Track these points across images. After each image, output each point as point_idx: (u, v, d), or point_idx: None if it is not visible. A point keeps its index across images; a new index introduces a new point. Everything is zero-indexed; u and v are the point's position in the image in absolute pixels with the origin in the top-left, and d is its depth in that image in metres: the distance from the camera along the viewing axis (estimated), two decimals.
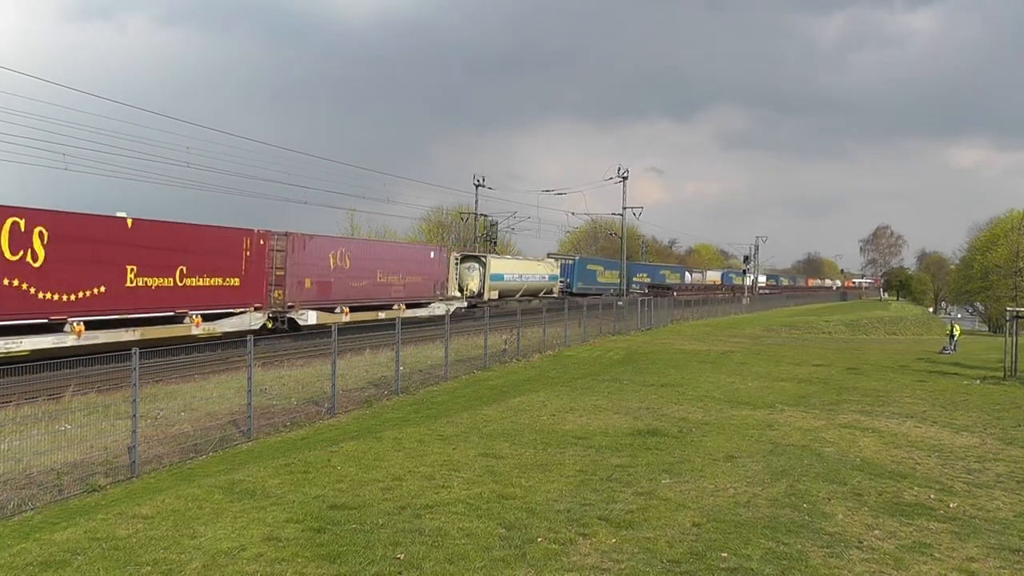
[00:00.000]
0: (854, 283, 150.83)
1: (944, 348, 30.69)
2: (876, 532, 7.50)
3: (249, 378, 12.72)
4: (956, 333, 32.34)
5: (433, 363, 20.13)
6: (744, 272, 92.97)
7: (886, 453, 11.03)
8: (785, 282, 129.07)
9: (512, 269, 46.12)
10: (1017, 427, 13.41)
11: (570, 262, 58.00)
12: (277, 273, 26.38)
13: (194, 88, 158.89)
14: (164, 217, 22.66)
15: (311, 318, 27.35)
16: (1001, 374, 21.17)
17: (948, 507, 8.42)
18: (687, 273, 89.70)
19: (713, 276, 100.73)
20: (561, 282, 53.68)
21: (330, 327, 16.61)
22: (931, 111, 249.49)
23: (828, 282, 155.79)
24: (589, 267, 62.12)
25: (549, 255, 58.51)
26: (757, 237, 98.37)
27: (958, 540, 7.35)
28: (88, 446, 11.17)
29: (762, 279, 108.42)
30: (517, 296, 45.87)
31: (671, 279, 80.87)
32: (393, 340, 18.28)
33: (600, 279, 62.48)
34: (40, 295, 17.58)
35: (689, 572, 6.36)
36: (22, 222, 17.17)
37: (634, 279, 71.58)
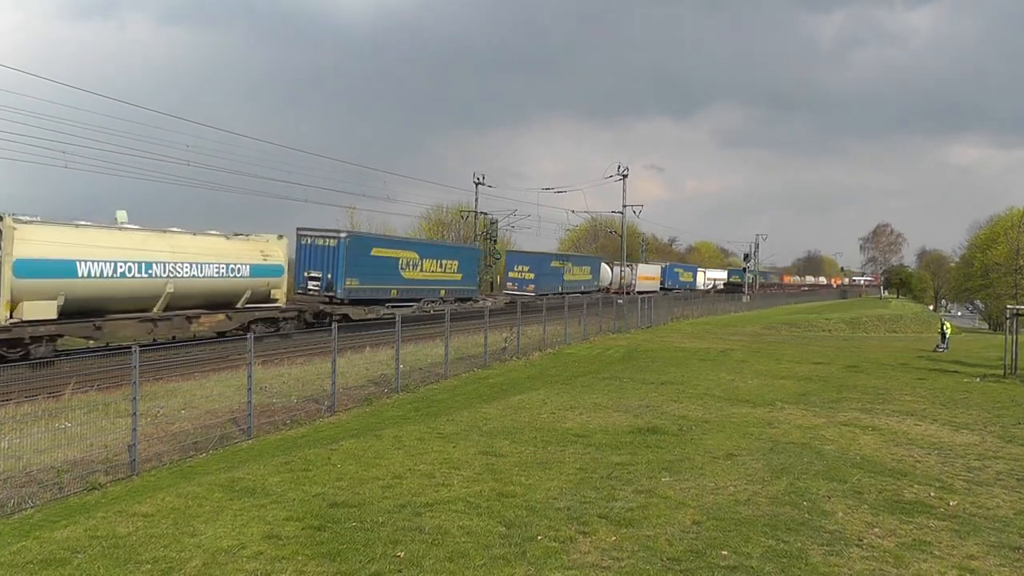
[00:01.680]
0: (852, 280, 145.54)
1: (937, 346, 30.22)
2: (876, 530, 7.51)
3: (249, 376, 12.72)
4: (948, 330, 31.57)
5: (433, 361, 20.13)
6: (744, 270, 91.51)
7: (886, 451, 11.03)
8: (750, 278, 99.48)
9: (109, 250, 20.84)
10: (1017, 425, 13.41)
11: (331, 243, 30.75)
12: None
13: (193, 86, 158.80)
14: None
15: None
16: (1001, 372, 21.17)
17: (948, 505, 8.42)
18: (605, 267, 60.91)
19: (648, 272, 70.45)
20: (314, 279, 30.42)
21: None
22: (931, 109, 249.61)
23: (811, 279, 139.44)
24: (377, 252, 33.17)
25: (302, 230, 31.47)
26: (757, 235, 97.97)
27: (958, 538, 7.35)
28: (88, 444, 11.17)
29: (721, 275, 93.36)
30: (156, 309, 22.32)
31: (576, 276, 53.86)
32: (393, 338, 18.28)
33: (409, 275, 35.06)
34: None
35: (689, 570, 6.37)
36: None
37: (510, 274, 49.46)
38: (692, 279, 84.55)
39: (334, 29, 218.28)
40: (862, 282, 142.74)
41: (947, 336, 30.91)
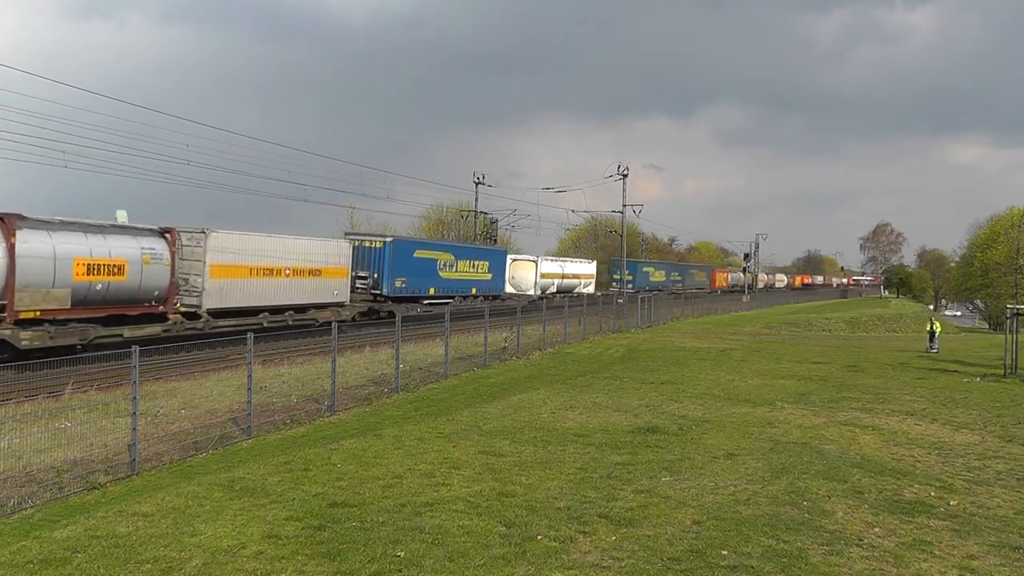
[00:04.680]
0: (832, 279, 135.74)
1: (929, 347, 28.67)
2: (876, 530, 7.50)
3: (249, 375, 12.72)
4: (937, 329, 29.66)
5: (433, 361, 20.14)
6: (747, 268, 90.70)
7: (886, 451, 11.03)
8: (672, 277, 76.94)
9: None
10: (1017, 424, 13.41)
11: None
12: None
13: (193, 85, 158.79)
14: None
15: None
16: (1001, 371, 21.16)
17: (948, 504, 8.42)
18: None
19: (282, 254, 26.34)
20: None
21: None
22: (931, 108, 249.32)
23: (766, 278, 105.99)
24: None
25: None
26: (757, 235, 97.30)
27: (958, 538, 7.35)
28: (88, 444, 11.18)
29: (584, 268, 58.69)
30: None
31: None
32: (393, 337, 18.29)
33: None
34: None
35: (689, 570, 6.36)
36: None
37: None
38: (492, 275, 41.42)
39: (334, 29, 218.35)
40: (845, 282, 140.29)
41: (936, 335, 29.24)
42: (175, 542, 6.87)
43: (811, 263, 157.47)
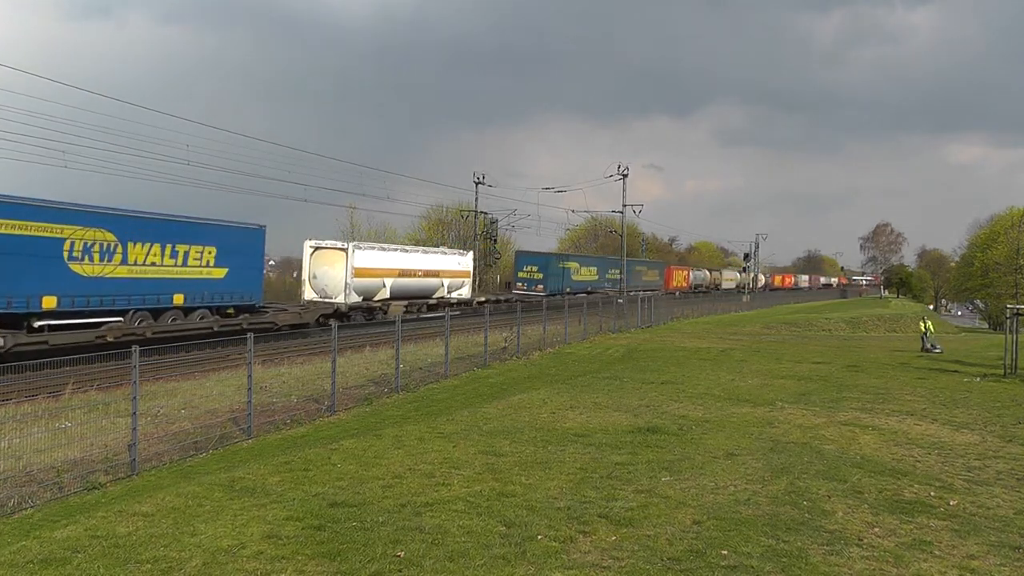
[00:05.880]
0: (795, 280, 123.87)
1: (932, 348, 27.97)
2: (876, 530, 7.50)
3: (249, 376, 12.72)
4: (931, 328, 28.80)
5: (433, 361, 20.13)
6: (747, 268, 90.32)
7: (886, 450, 11.02)
8: (609, 276, 59.91)
9: None
10: (1017, 424, 13.39)
11: None
12: None
13: (193, 85, 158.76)
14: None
15: None
16: (1001, 371, 21.15)
17: (948, 504, 8.41)
18: None
19: None
20: None
21: None
22: (930, 108, 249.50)
23: (728, 276, 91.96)
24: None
25: None
26: (757, 235, 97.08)
27: (958, 537, 7.35)
28: (88, 444, 11.18)
29: (434, 261, 37.90)
30: None
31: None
32: (393, 337, 18.29)
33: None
34: None
35: (689, 570, 6.36)
36: None
37: None
38: (228, 271, 25.84)
39: (334, 28, 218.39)
40: (838, 281, 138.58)
41: (927, 335, 28.51)
42: (175, 542, 6.87)
43: (811, 263, 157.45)
